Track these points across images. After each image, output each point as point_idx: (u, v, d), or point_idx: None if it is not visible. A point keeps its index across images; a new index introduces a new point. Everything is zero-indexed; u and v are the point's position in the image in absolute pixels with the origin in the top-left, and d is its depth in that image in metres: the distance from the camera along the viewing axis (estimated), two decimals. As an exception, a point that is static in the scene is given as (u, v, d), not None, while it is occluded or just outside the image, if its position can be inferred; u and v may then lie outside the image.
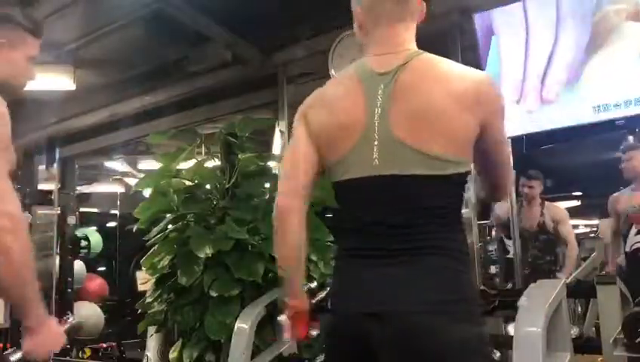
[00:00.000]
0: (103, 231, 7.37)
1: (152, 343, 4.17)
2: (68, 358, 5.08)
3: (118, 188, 7.99)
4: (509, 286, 3.89)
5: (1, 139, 1.37)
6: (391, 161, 1.34)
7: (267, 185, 3.85)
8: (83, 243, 6.34)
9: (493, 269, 5.23)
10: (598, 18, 2.91)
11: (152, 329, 3.90)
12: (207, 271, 3.22)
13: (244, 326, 2.69)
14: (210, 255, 3.19)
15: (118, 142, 5.43)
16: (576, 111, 2.98)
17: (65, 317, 1.55)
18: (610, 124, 3.04)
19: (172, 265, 3.44)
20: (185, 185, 3.74)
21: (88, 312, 5.70)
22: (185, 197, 3.63)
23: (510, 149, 1.47)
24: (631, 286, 2.60)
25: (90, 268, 6.59)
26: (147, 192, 4.12)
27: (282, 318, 1.57)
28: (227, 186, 3.58)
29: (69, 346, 5.14)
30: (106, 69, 4.42)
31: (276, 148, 3.87)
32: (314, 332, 1.67)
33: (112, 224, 8.60)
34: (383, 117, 1.35)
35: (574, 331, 2.50)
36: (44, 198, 5.49)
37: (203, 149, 4.11)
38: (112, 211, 8.56)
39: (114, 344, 6.25)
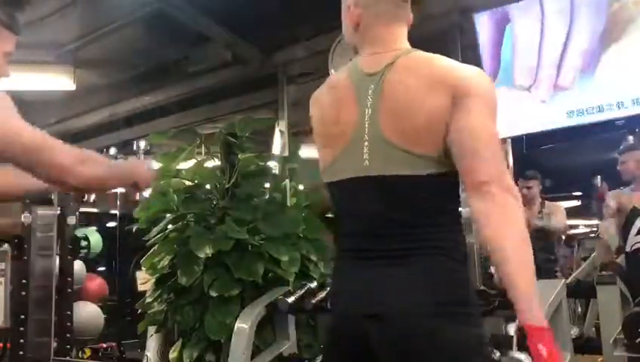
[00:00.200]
0: (102, 231, 7.36)
1: (152, 343, 4.16)
2: (68, 358, 5.08)
3: (118, 188, 7.98)
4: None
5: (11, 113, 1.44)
6: (381, 162, 1.34)
7: (267, 185, 3.85)
8: (83, 243, 6.32)
9: (493, 269, 5.22)
10: (616, 8, 2.86)
11: (152, 329, 3.90)
12: (207, 271, 3.22)
13: (244, 326, 2.69)
14: (210, 255, 3.19)
15: (118, 142, 5.43)
16: (592, 99, 2.92)
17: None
18: (610, 124, 3.03)
19: (172, 265, 3.44)
20: (185, 185, 3.74)
21: (88, 312, 5.69)
22: (185, 197, 3.63)
23: (494, 144, 1.27)
24: (631, 286, 2.60)
25: (90, 268, 6.57)
26: (147, 192, 4.13)
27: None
28: (227, 186, 3.57)
29: (68, 346, 5.14)
30: (106, 68, 4.42)
31: (276, 148, 3.87)
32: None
33: (112, 224, 8.60)
34: (373, 117, 1.36)
35: (574, 331, 2.51)
36: (44, 198, 5.48)
37: (203, 149, 4.10)
38: (112, 211, 8.55)
39: (114, 344, 6.24)
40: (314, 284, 2.77)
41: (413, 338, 1.28)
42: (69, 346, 5.12)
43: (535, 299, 1.23)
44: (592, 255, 4.49)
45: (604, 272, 3.47)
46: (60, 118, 5.14)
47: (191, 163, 3.92)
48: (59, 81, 4.17)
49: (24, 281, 4.81)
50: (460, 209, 1.42)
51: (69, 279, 5.43)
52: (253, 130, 3.75)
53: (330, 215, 3.79)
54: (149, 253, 3.58)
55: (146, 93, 4.52)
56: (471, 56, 3.07)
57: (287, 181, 3.72)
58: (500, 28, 3.09)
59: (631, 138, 3.99)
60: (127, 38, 3.84)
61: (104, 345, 6.15)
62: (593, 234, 7.74)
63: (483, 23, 3.11)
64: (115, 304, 6.84)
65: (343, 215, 1.46)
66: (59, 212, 5.46)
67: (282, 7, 3.30)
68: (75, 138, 5.45)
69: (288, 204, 3.63)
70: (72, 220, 5.68)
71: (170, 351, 3.42)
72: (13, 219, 4.10)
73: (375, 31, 1.44)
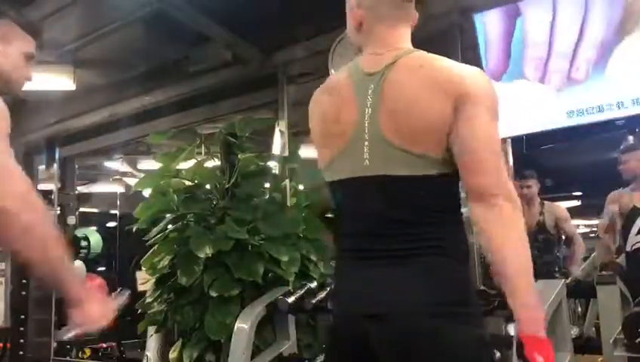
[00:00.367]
0: (102, 231, 7.36)
1: (152, 343, 4.16)
2: (68, 358, 5.08)
3: (118, 188, 7.99)
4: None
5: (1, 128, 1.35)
6: (380, 161, 1.34)
7: (267, 185, 3.85)
8: (83, 243, 6.33)
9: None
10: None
11: (152, 329, 3.90)
12: (207, 271, 3.22)
13: (244, 326, 2.69)
14: (210, 255, 3.19)
15: (118, 142, 5.42)
16: (592, 99, 2.87)
17: (118, 290, 1.53)
18: (610, 124, 3.03)
19: (172, 265, 3.44)
20: (185, 185, 3.75)
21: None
22: (185, 197, 3.64)
23: (496, 151, 1.29)
24: (631, 286, 2.60)
25: (90, 268, 6.58)
26: (147, 192, 4.13)
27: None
28: (227, 186, 3.58)
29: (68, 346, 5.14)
30: (106, 69, 4.42)
31: (276, 148, 3.87)
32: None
33: (112, 224, 8.60)
34: (373, 117, 1.36)
35: (574, 331, 2.51)
36: (44, 198, 5.47)
37: (203, 149, 4.11)
38: (112, 211, 8.56)
39: (114, 344, 6.24)
40: (314, 284, 2.77)
41: (414, 338, 1.28)
42: (69, 346, 5.12)
43: (534, 307, 1.25)
44: (592, 255, 4.48)
45: (604, 272, 3.47)
46: (60, 118, 5.13)
47: (191, 163, 3.92)
48: (59, 81, 4.17)
49: (24, 281, 4.81)
50: (460, 209, 1.42)
51: (69, 279, 5.44)
52: (253, 130, 3.75)
53: (330, 215, 3.79)
54: (149, 253, 3.58)
55: (146, 93, 4.51)
56: (471, 56, 3.07)
57: (287, 181, 3.72)
58: (510, 22, 3.05)
59: (631, 138, 3.98)
60: (127, 38, 3.84)
61: (104, 345, 6.15)
62: (593, 234, 7.73)
63: (492, 20, 3.08)
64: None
65: (343, 214, 1.46)
66: (59, 212, 5.48)
67: (282, 7, 3.30)
68: (75, 138, 5.45)
69: (288, 204, 3.64)
70: (72, 220, 5.70)
71: (170, 351, 3.43)
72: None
73: (377, 31, 1.44)
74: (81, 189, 7.37)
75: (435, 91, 1.31)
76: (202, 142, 4.10)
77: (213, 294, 3.14)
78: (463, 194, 1.38)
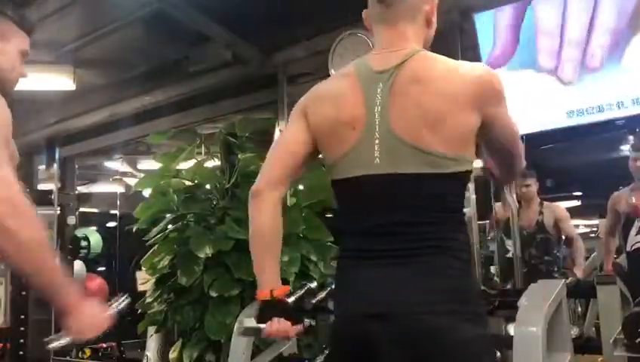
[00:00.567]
0: (103, 231, 7.36)
1: (152, 343, 4.16)
2: (68, 358, 5.08)
3: (118, 188, 7.98)
4: (509, 286, 3.89)
5: (1, 134, 1.33)
6: (392, 160, 1.34)
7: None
8: (83, 243, 6.33)
9: (493, 269, 5.23)
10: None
11: (152, 329, 3.90)
12: (207, 271, 3.22)
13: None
14: (210, 255, 3.20)
15: (118, 142, 5.42)
16: (592, 99, 2.85)
17: (121, 297, 1.46)
18: (610, 124, 3.03)
19: (172, 265, 3.44)
20: (185, 185, 3.75)
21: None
22: (185, 197, 3.64)
23: (515, 125, 1.48)
24: (631, 286, 2.60)
25: (90, 268, 6.58)
26: (147, 192, 4.13)
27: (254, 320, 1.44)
28: (227, 186, 3.58)
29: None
30: (106, 69, 4.42)
31: (276, 148, 3.86)
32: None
33: (112, 224, 8.60)
34: (384, 115, 1.36)
35: (574, 331, 2.50)
36: (44, 198, 5.48)
37: (203, 149, 4.11)
38: (112, 211, 8.55)
39: (114, 344, 6.24)
40: (314, 284, 2.76)
41: (415, 338, 1.28)
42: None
43: None
44: (592, 255, 4.49)
45: (604, 272, 3.47)
46: (60, 118, 5.13)
47: (191, 163, 3.93)
48: (59, 81, 4.17)
49: (24, 281, 4.81)
50: (463, 209, 1.42)
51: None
52: (253, 130, 3.75)
53: (330, 215, 3.79)
54: (149, 253, 3.58)
55: (145, 93, 4.51)
56: (471, 56, 3.07)
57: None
58: (520, 10, 3.03)
59: (631, 138, 3.98)
60: (127, 38, 3.84)
61: (104, 345, 6.14)
62: (593, 234, 7.73)
63: (502, 14, 3.07)
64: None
65: (347, 213, 1.45)
66: (59, 212, 5.48)
67: (282, 7, 3.30)
68: (75, 138, 5.46)
69: (288, 203, 3.64)
70: (72, 220, 5.70)
71: (170, 351, 3.43)
72: None
73: (379, 31, 1.46)
74: (81, 189, 7.37)
75: (446, 92, 1.33)
76: (202, 142, 4.10)
77: (213, 294, 3.14)
78: (467, 194, 1.39)
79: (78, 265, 5.94)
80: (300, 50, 3.79)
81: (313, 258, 3.36)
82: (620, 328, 2.22)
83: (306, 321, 1.60)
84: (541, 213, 4.29)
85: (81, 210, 7.49)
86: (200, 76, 4.10)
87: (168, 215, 3.61)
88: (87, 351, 5.84)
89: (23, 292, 4.81)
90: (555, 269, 4.23)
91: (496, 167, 1.61)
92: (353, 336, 1.36)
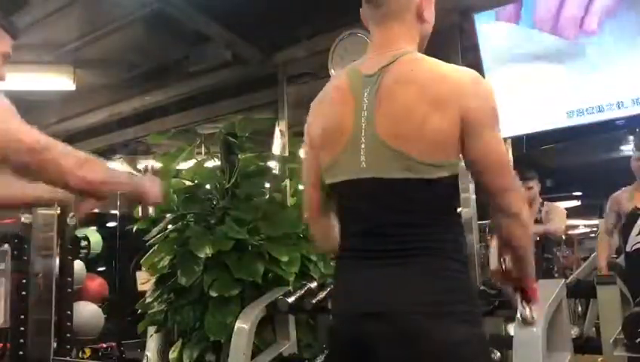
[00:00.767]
0: (103, 231, 7.36)
1: (152, 343, 4.16)
2: (68, 358, 5.08)
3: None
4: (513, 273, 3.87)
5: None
6: (376, 164, 1.35)
7: (267, 185, 3.85)
8: (83, 243, 6.33)
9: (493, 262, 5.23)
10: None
11: (152, 330, 3.90)
12: (207, 271, 3.22)
13: (244, 326, 2.69)
14: (210, 255, 3.19)
15: (118, 142, 5.42)
16: (592, 99, 2.79)
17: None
18: (610, 124, 3.02)
19: (172, 265, 3.44)
20: (185, 185, 3.75)
21: (88, 312, 5.69)
22: (185, 197, 3.64)
23: (505, 151, 1.38)
24: (631, 286, 2.60)
25: (90, 268, 6.58)
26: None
27: None
28: (227, 186, 3.58)
29: (68, 346, 5.14)
30: (106, 69, 4.42)
31: (276, 148, 3.87)
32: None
33: (112, 224, 8.59)
34: (370, 120, 1.36)
35: (574, 331, 2.50)
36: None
37: (203, 149, 4.11)
38: (112, 211, 8.54)
39: (114, 344, 6.24)
40: (314, 284, 2.77)
41: (413, 337, 1.28)
42: (69, 346, 5.12)
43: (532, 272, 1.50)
44: (592, 255, 4.48)
45: (598, 270, 3.47)
46: (60, 118, 5.13)
47: (191, 163, 3.93)
48: (59, 81, 4.17)
49: (24, 281, 4.81)
50: (457, 209, 1.43)
51: (69, 279, 5.44)
52: (253, 130, 3.75)
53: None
54: (149, 253, 3.58)
55: (146, 93, 4.51)
56: (471, 57, 3.07)
57: (287, 181, 3.72)
58: None
59: (631, 138, 3.98)
60: (127, 38, 3.84)
61: (104, 345, 6.15)
62: (593, 234, 7.73)
63: None
64: (115, 304, 6.83)
65: (343, 216, 1.47)
66: (59, 212, 5.47)
67: (282, 7, 3.30)
68: (75, 138, 5.45)
69: (288, 204, 3.64)
70: (72, 220, 5.69)
71: (170, 351, 3.43)
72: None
73: (373, 32, 1.47)
74: (82, 189, 7.35)
75: (432, 98, 1.32)
76: (202, 142, 4.10)
77: (213, 294, 3.14)
78: (462, 195, 1.39)
79: (78, 265, 5.93)
80: (300, 50, 3.79)
81: (313, 258, 3.36)
82: (620, 328, 2.22)
83: None
84: (540, 211, 4.30)
85: (81, 210, 7.47)
86: (200, 76, 4.10)
87: (168, 215, 3.60)
88: (87, 351, 5.84)
89: (23, 292, 4.81)
90: (556, 269, 4.23)
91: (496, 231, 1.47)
92: (349, 336, 1.37)
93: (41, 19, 3.31)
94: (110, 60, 4.28)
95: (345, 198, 1.44)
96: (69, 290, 5.37)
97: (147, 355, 4.20)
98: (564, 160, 5.94)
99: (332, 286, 1.54)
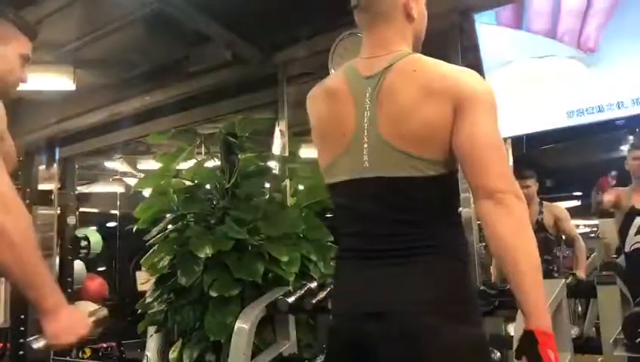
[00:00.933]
0: (103, 231, 7.37)
1: (152, 343, 4.16)
2: (68, 358, 5.08)
3: (118, 188, 7.99)
4: (509, 286, 3.87)
5: None
6: (380, 163, 1.35)
7: (267, 185, 3.85)
8: (83, 243, 6.34)
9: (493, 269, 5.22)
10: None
11: (152, 330, 3.90)
12: (207, 271, 3.22)
13: (244, 326, 2.69)
14: (210, 255, 3.19)
15: (118, 142, 5.42)
16: (591, 99, 2.77)
17: (100, 307, 1.46)
18: (610, 124, 3.03)
19: (172, 265, 3.44)
20: (185, 185, 3.75)
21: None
22: (185, 197, 3.64)
23: (500, 150, 1.30)
24: (631, 286, 2.60)
25: (90, 268, 6.58)
26: (147, 192, 4.13)
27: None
28: (227, 186, 3.58)
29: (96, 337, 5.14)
30: (106, 69, 4.41)
31: (276, 148, 3.87)
32: None
33: (112, 224, 8.60)
34: (372, 120, 1.37)
35: (574, 331, 2.51)
36: (44, 198, 5.49)
37: (203, 149, 4.11)
38: (112, 211, 8.55)
39: (114, 344, 6.24)
40: (314, 284, 2.77)
41: (413, 337, 1.28)
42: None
43: (543, 303, 1.24)
44: (592, 255, 4.48)
45: (604, 272, 3.46)
46: (60, 118, 5.13)
47: (191, 163, 3.93)
48: (59, 81, 4.17)
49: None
50: (459, 209, 1.43)
51: (69, 279, 5.45)
52: (253, 130, 3.75)
53: (330, 215, 3.79)
54: (149, 253, 3.58)
55: (146, 93, 4.51)
56: (471, 56, 3.07)
57: (287, 181, 3.72)
58: None
59: (631, 138, 3.97)
60: (127, 38, 3.84)
61: (104, 345, 6.16)
62: (593, 234, 7.73)
63: None
64: (115, 304, 6.84)
65: (344, 215, 1.47)
66: (59, 212, 5.48)
67: (282, 7, 3.30)
68: (75, 138, 5.45)
69: (288, 204, 3.64)
70: (72, 220, 5.70)
71: (170, 351, 3.43)
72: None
73: (365, 34, 1.47)
74: (81, 189, 7.37)
75: (434, 96, 1.32)
76: (202, 142, 4.10)
77: (213, 294, 3.14)
78: (462, 195, 1.39)
79: (78, 265, 5.94)
80: (300, 50, 3.79)
81: (313, 258, 3.36)
82: (620, 328, 2.22)
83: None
84: (541, 212, 4.29)
85: (81, 210, 7.49)
86: (200, 76, 4.10)
87: (168, 215, 3.60)
88: (88, 351, 5.85)
89: (23, 292, 4.81)
90: (556, 269, 4.23)
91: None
92: (349, 336, 1.37)
93: (41, 20, 3.31)
94: (110, 60, 4.28)
95: (345, 198, 1.44)
96: (69, 290, 5.37)
97: (147, 355, 4.20)
98: (564, 160, 5.94)
99: (332, 286, 1.53)
